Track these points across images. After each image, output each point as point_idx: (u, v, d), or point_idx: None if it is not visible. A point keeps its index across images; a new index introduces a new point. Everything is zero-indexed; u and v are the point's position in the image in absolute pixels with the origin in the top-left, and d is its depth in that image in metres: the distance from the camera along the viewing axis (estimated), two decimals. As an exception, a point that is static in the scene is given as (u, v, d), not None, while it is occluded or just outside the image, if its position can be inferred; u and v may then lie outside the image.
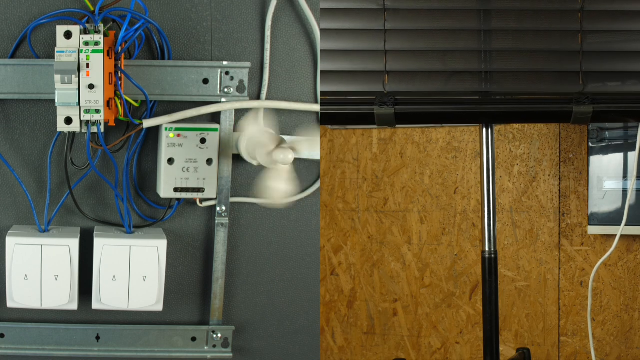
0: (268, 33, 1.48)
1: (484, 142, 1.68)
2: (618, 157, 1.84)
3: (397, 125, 1.60)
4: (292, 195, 1.54)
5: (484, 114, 1.59)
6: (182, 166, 1.45)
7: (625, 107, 1.55)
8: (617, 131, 1.84)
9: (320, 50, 1.53)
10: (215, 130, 1.45)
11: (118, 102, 1.39)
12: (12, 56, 1.42)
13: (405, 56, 1.59)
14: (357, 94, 1.59)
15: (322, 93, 1.57)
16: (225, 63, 1.45)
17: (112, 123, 1.39)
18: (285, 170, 1.35)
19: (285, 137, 1.49)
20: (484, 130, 1.68)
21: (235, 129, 1.48)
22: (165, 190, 1.46)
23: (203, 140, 1.45)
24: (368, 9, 1.58)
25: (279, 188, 1.33)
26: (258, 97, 1.50)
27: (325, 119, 1.57)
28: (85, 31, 1.35)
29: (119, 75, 1.38)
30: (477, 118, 1.61)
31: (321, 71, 1.55)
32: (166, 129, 1.44)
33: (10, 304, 1.44)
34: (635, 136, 1.76)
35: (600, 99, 1.55)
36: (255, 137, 1.39)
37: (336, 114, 1.58)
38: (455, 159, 2.03)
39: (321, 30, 1.54)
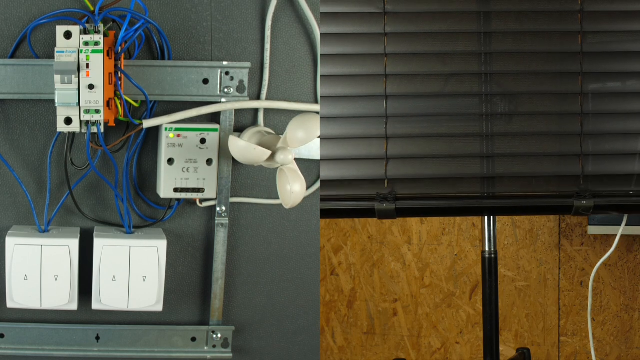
0: (268, 33, 1.48)
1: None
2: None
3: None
4: (305, 193, 1.54)
5: (486, 208, 1.58)
6: (182, 166, 1.45)
7: (625, 201, 1.56)
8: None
9: (321, 54, 1.53)
10: (215, 130, 1.45)
11: (118, 102, 1.39)
12: (12, 56, 1.42)
13: (406, 59, 1.59)
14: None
15: (322, 197, 1.57)
16: (225, 63, 1.45)
17: (112, 123, 1.39)
18: (295, 170, 1.35)
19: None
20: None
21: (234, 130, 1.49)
22: (165, 190, 1.45)
23: (203, 141, 1.45)
24: (368, 13, 1.58)
25: (294, 190, 1.34)
26: (258, 97, 1.50)
27: (325, 214, 1.57)
28: (85, 31, 1.35)
29: (119, 75, 1.38)
30: (479, 212, 1.60)
31: (322, 75, 1.54)
32: (166, 129, 1.44)
33: (10, 304, 1.44)
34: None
35: (601, 192, 1.56)
36: (243, 153, 1.38)
37: (337, 210, 1.58)
38: (456, 159, 2.03)
39: (321, 34, 1.54)
